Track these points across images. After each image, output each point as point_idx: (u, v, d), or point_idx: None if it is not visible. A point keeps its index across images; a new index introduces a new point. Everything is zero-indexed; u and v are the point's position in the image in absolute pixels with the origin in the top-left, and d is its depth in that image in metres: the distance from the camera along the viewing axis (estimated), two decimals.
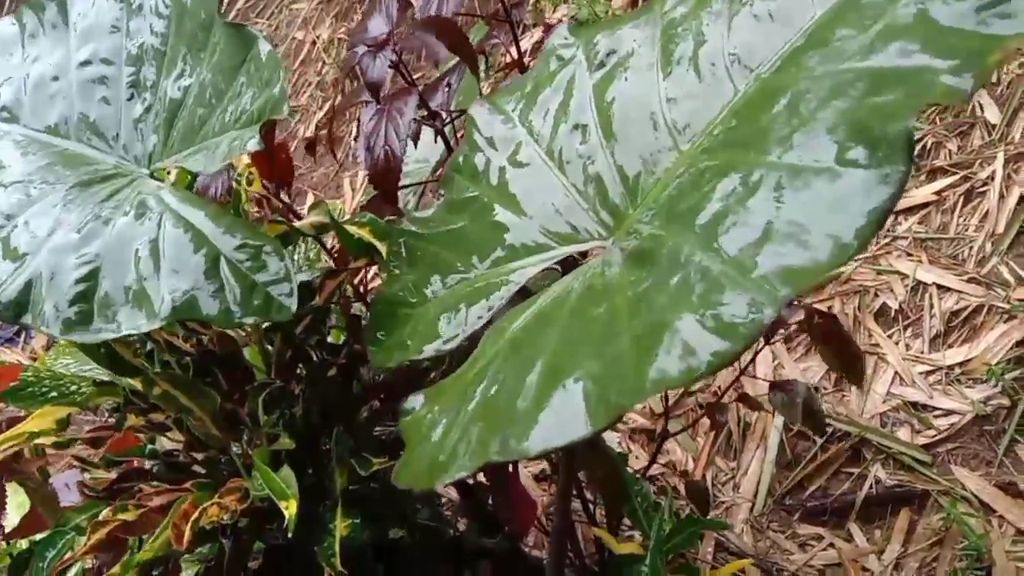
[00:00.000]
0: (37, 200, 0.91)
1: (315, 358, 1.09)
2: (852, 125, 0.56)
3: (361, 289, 1.26)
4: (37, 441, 1.02)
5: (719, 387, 2.14)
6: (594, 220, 0.79)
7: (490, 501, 1.48)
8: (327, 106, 3.02)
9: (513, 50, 1.25)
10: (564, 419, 0.62)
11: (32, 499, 1.16)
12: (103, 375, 1.29)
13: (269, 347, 1.12)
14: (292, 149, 2.96)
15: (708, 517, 1.56)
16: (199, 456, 1.06)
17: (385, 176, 1.05)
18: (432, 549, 1.18)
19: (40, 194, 0.92)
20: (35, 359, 1.49)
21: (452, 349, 0.83)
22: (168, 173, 1.07)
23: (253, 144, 0.83)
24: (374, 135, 1.06)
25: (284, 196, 1.28)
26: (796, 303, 1.42)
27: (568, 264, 0.86)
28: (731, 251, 0.59)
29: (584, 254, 0.85)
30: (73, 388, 1.29)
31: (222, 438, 1.02)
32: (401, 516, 1.12)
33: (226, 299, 0.83)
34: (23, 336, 2.84)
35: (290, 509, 0.85)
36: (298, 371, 1.13)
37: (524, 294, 0.81)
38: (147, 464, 1.05)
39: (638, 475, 1.51)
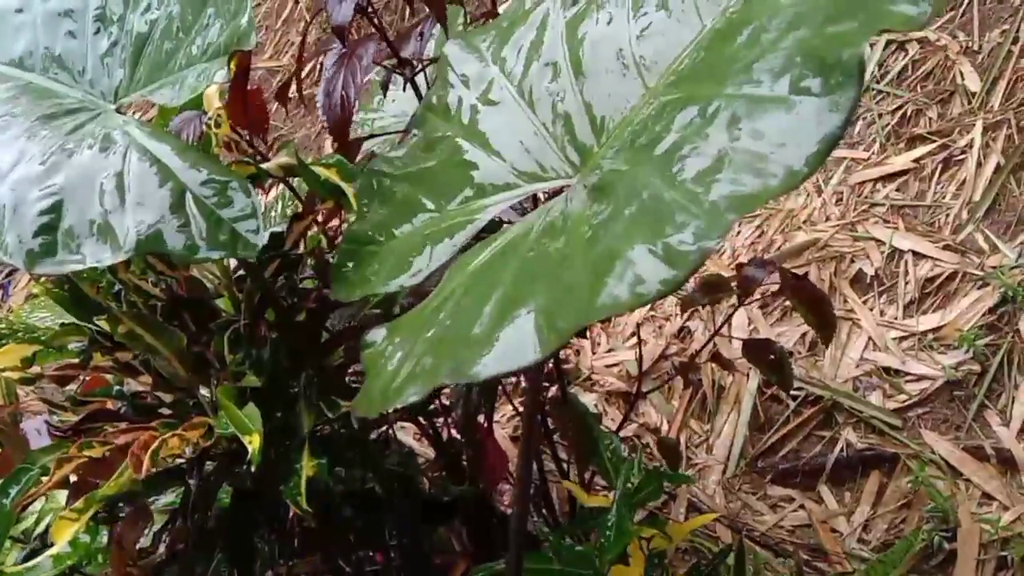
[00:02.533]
0: (0, 132, 0.91)
1: (284, 303, 1.09)
2: (807, 54, 0.57)
3: (337, 241, 1.26)
4: (4, 375, 1.02)
5: (695, 350, 2.16)
6: (561, 159, 0.79)
7: (463, 457, 1.50)
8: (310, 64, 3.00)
9: None
10: (514, 345, 0.62)
11: (3, 443, 1.16)
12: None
13: (239, 295, 1.12)
14: (273, 110, 2.93)
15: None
16: (167, 398, 1.06)
17: (339, 122, 1.05)
18: (402, 497, 1.18)
19: (3, 126, 0.91)
20: None
21: (416, 284, 0.83)
22: (130, 109, 1.06)
23: (220, 76, 0.83)
24: (333, 81, 1.05)
25: (260, 144, 1.28)
26: (772, 266, 1.43)
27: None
28: (685, 180, 0.60)
29: (552, 193, 0.85)
30: (45, 339, 1.29)
31: (189, 379, 1.02)
32: (369, 462, 1.12)
33: (191, 234, 0.83)
34: (2, 294, 2.82)
35: (253, 443, 0.85)
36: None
37: (491, 232, 0.81)
38: (115, 405, 1.05)
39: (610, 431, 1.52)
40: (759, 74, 0.59)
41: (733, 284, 1.43)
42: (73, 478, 0.95)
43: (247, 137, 1.26)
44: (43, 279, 1.19)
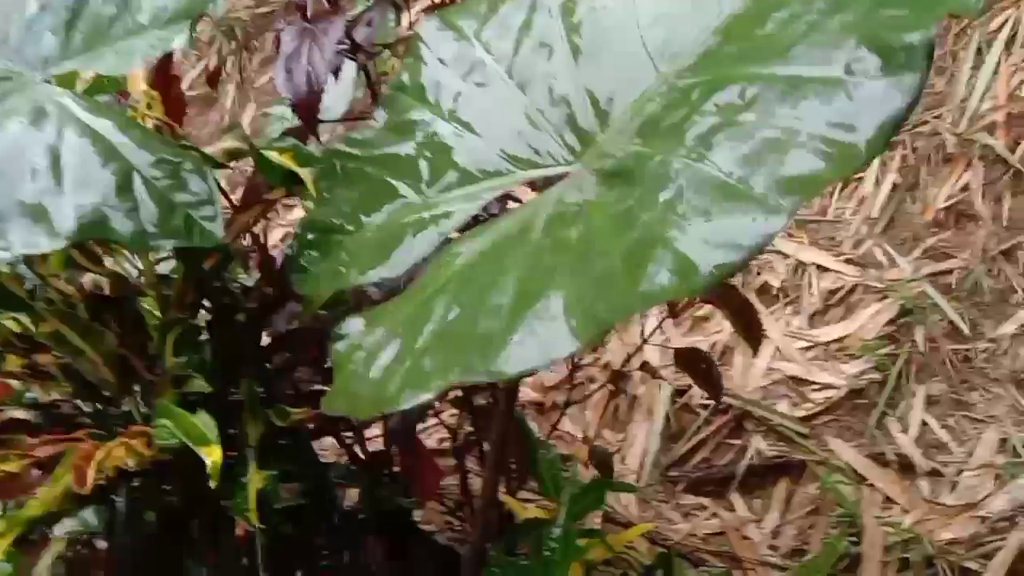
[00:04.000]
0: None
1: (220, 301, 1.00)
2: (863, 37, 0.55)
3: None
4: None
5: (608, 361, 2.16)
6: (559, 144, 0.75)
7: (384, 472, 1.42)
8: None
9: None
10: (544, 338, 0.58)
11: None
12: None
13: (169, 293, 1.02)
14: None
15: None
16: (87, 408, 0.95)
17: (307, 102, 0.97)
18: (340, 516, 1.11)
19: None
20: None
21: (398, 276, 0.77)
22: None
23: (181, 41, 0.74)
24: (295, 57, 0.98)
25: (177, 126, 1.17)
26: None
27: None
28: (727, 164, 0.57)
29: (547, 180, 0.80)
30: None
31: (116, 386, 0.91)
32: (314, 476, 1.04)
33: (140, 220, 0.74)
34: None
35: (213, 455, 0.76)
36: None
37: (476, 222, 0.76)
38: (26, 414, 0.93)
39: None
40: (803, 55, 0.58)
41: None
42: None
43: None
44: None
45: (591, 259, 0.60)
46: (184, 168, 0.77)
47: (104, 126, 0.78)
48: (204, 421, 0.80)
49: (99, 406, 0.94)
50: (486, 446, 1.57)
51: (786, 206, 0.52)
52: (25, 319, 0.87)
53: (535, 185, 0.80)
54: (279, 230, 2.53)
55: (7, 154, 0.75)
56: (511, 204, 0.89)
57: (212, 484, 0.75)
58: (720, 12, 0.68)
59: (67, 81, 0.88)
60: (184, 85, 3.06)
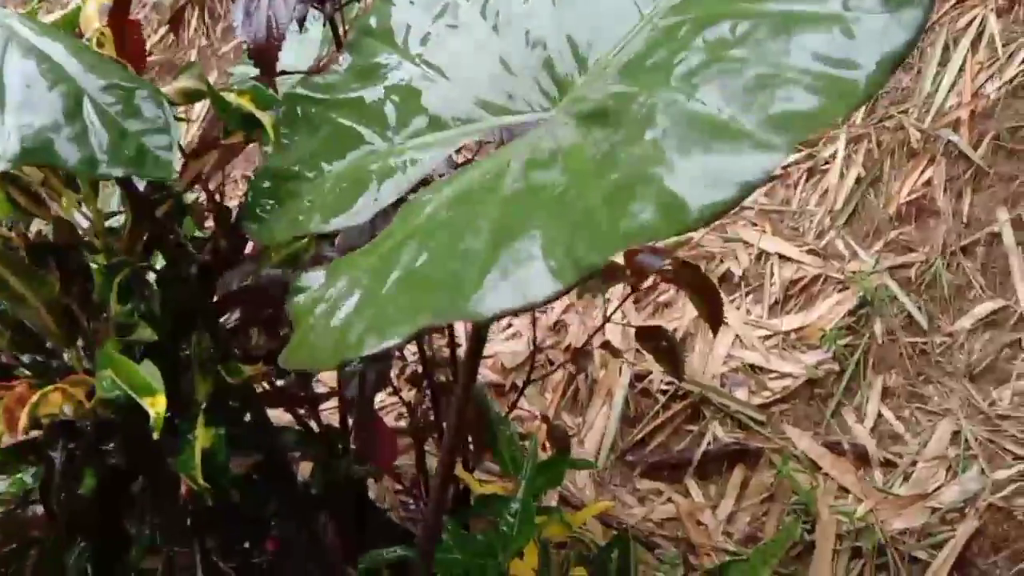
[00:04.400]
0: None
1: (172, 251, 0.95)
2: None
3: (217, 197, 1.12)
4: None
5: (570, 343, 2.14)
6: (535, 89, 0.72)
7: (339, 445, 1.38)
8: None
9: None
10: (522, 279, 0.54)
11: None
12: None
13: (116, 245, 0.97)
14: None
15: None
16: (25, 359, 0.90)
17: (266, 48, 0.93)
18: (294, 486, 1.06)
19: None
20: None
21: (362, 224, 0.73)
22: None
23: None
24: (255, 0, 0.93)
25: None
26: (666, 254, 1.42)
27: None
28: (718, 100, 0.54)
29: (520, 128, 0.77)
30: None
31: (58, 336, 0.86)
32: (263, 439, 1.00)
33: (90, 145, 0.69)
34: None
35: (157, 405, 0.72)
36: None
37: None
38: None
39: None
40: None
41: (627, 272, 1.41)
42: None
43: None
44: None
45: (570, 201, 0.57)
46: (139, 94, 0.72)
47: (54, 48, 0.73)
48: (149, 370, 0.75)
49: (39, 357, 0.88)
50: (445, 426, 1.54)
51: (780, 143, 0.50)
52: None
53: (510, 132, 0.76)
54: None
55: None
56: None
57: (155, 436, 0.70)
58: None
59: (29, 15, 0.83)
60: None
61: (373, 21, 0.82)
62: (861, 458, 1.86)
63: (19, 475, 0.95)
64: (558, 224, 0.56)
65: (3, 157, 0.66)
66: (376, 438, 1.23)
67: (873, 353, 1.96)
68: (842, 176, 2.16)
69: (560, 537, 1.62)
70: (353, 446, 1.31)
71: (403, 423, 1.93)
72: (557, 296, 0.53)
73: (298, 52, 1.39)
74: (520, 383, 2.08)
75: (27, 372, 0.88)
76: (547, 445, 1.69)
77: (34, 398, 0.69)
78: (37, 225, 1.04)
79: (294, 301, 0.71)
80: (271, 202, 0.80)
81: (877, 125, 2.17)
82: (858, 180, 2.14)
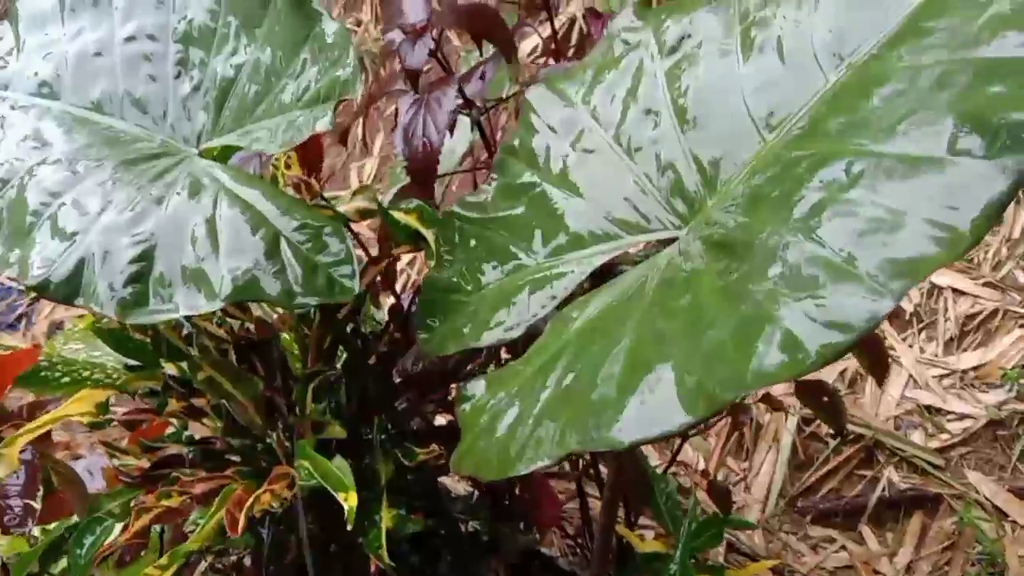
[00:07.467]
0: (84, 178, 0.89)
1: (354, 346, 1.07)
2: (965, 115, 0.56)
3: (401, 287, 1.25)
4: (75, 418, 1.00)
5: None
6: (666, 209, 0.78)
7: (506, 499, 1.47)
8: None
9: (536, 38, 1.23)
10: (656, 409, 0.60)
11: (58, 483, 1.13)
12: (112, 360, 1.27)
13: (307, 331, 1.10)
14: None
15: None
16: (235, 443, 1.04)
17: (423, 168, 1.04)
18: (463, 543, 1.16)
19: (86, 171, 0.89)
20: (37, 346, 1.46)
21: (514, 338, 0.81)
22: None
23: (324, 123, 0.82)
24: (412, 126, 1.05)
25: (315, 184, 1.27)
26: None
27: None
28: (836, 242, 0.58)
29: (655, 246, 0.83)
30: (86, 374, 1.27)
31: (263, 425, 1.00)
32: (439, 509, 1.10)
33: (287, 280, 0.81)
34: (23, 322, 2.79)
35: (349, 501, 0.83)
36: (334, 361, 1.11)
37: (592, 282, 0.80)
38: (179, 450, 1.03)
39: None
40: (907, 132, 0.58)
41: None
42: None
43: (305, 176, 1.25)
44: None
45: (699, 331, 0.62)
46: (325, 232, 0.84)
47: (253, 195, 0.86)
48: (340, 466, 0.87)
49: (246, 442, 1.03)
50: (603, 469, 1.59)
51: (895, 289, 0.53)
52: (184, 366, 0.97)
53: (644, 250, 0.82)
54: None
55: (172, 225, 0.85)
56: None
57: (348, 527, 0.82)
58: (825, 81, 0.69)
59: (223, 155, 0.97)
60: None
61: (517, 143, 0.91)
62: None
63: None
64: (689, 354, 0.61)
65: (218, 296, 0.79)
66: (537, 497, 1.31)
67: None
68: (1018, 203, 2.05)
69: None
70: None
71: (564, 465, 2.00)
72: (692, 427, 0.58)
73: (450, 142, 1.51)
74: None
75: (236, 458, 1.02)
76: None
77: (248, 501, 0.82)
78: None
79: (461, 409, 0.80)
80: (439, 314, 0.90)
81: None
82: None
